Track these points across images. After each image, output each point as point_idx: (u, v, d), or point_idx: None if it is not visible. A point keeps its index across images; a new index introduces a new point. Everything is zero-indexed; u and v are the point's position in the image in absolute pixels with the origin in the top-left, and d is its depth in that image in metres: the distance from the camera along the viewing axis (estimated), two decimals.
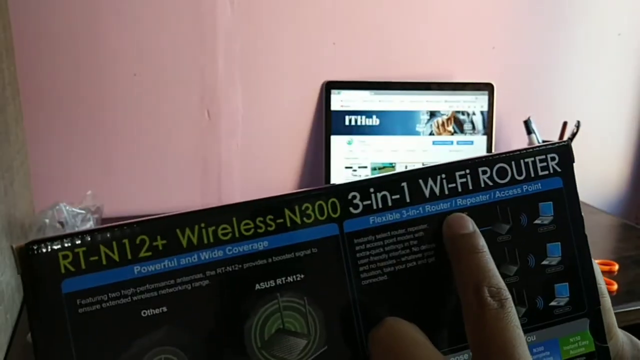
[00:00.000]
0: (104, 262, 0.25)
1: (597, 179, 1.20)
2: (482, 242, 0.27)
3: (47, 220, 0.81)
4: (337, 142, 0.98)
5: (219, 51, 0.94)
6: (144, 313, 0.25)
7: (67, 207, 0.81)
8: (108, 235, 0.25)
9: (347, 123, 0.98)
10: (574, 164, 0.31)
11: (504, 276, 0.29)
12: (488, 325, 0.24)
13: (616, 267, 0.80)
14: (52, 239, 0.25)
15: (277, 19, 0.96)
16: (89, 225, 0.79)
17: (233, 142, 0.97)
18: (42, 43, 0.86)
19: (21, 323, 0.69)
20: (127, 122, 0.92)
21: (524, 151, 0.31)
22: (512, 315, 0.25)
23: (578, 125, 1.00)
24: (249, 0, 0.94)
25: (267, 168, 1.00)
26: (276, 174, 1.01)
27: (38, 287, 0.24)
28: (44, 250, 0.24)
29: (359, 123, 0.98)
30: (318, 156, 1.00)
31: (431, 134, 1.00)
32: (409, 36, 1.03)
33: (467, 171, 0.30)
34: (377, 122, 0.98)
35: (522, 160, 0.31)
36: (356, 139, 0.98)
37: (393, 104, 0.99)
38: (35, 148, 0.88)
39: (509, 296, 0.25)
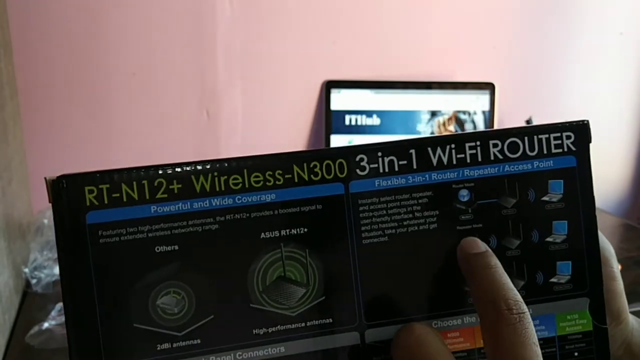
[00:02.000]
0: (125, 200, 0.28)
1: (598, 179, 1.19)
2: (494, 260, 0.27)
3: (45, 221, 0.81)
4: (338, 142, 0.98)
5: (218, 50, 0.94)
6: (158, 249, 0.28)
7: None
8: (129, 175, 0.28)
9: (347, 122, 0.98)
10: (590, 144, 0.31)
11: (505, 249, 0.30)
12: (506, 340, 0.25)
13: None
14: (80, 175, 0.27)
15: (277, 18, 0.96)
16: None
17: (232, 142, 0.97)
18: (41, 42, 0.86)
19: (19, 324, 0.69)
20: (126, 121, 0.91)
21: (539, 127, 0.31)
22: (530, 331, 0.25)
23: None
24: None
25: None
26: None
27: (65, 216, 0.27)
28: (73, 183, 0.27)
29: (359, 122, 0.98)
30: None
31: (432, 133, 0.99)
32: (409, 35, 1.03)
33: (478, 143, 0.30)
34: (378, 122, 0.98)
35: (535, 136, 0.30)
36: (357, 138, 0.98)
37: (394, 104, 0.99)
38: (34, 147, 0.88)
39: (526, 310, 0.25)
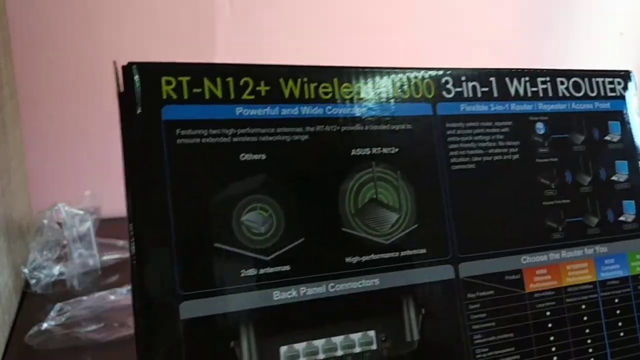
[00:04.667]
0: (207, 96, 0.24)
1: None
2: None
3: (45, 221, 0.80)
4: None
5: (218, 51, 0.94)
6: (243, 157, 0.25)
7: (66, 208, 0.81)
8: (213, 70, 0.25)
9: None
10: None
11: (578, 185, 0.31)
12: None
13: None
14: (156, 64, 0.24)
15: (277, 19, 0.96)
16: (87, 226, 0.79)
17: None
18: (40, 42, 0.86)
19: (18, 324, 0.68)
20: None
21: (595, 71, 0.33)
22: None
23: None
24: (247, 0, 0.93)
25: None
26: None
27: (137, 109, 0.23)
28: (148, 71, 0.23)
29: None
30: None
31: None
32: (411, 37, 1.03)
33: (547, 78, 0.31)
34: None
35: (593, 79, 0.32)
36: None
37: None
38: (33, 148, 0.88)
39: None
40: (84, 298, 0.65)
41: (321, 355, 0.24)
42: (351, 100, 0.26)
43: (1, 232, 0.66)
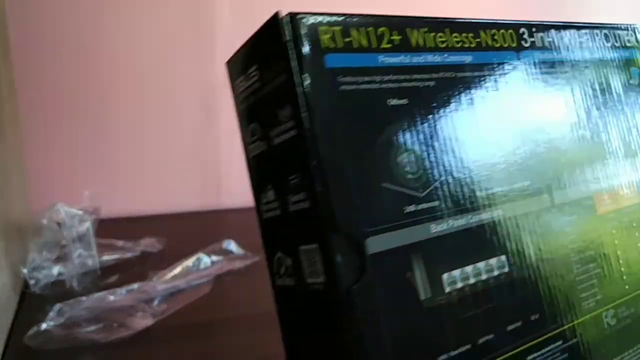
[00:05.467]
0: (355, 45, 0.26)
1: None
2: None
3: (44, 221, 0.80)
4: None
5: (218, 51, 0.94)
6: (389, 102, 0.27)
7: (65, 208, 0.80)
8: (356, 20, 0.27)
9: None
10: None
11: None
12: None
13: None
14: (313, 14, 0.25)
15: None
16: (87, 226, 0.78)
17: (233, 142, 0.97)
18: (40, 42, 0.86)
19: (17, 325, 0.68)
20: (125, 121, 0.91)
21: (624, 25, 0.38)
22: None
23: None
24: (247, 0, 0.93)
25: None
26: None
27: (305, 58, 0.25)
28: (311, 22, 0.25)
29: None
30: None
31: None
32: None
33: (587, 31, 0.37)
34: None
35: (617, 30, 0.38)
36: None
37: None
38: (32, 148, 0.87)
39: None
40: (83, 298, 0.64)
41: (472, 280, 0.27)
42: (460, 49, 0.30)
43: (0, 232, 0.66)
